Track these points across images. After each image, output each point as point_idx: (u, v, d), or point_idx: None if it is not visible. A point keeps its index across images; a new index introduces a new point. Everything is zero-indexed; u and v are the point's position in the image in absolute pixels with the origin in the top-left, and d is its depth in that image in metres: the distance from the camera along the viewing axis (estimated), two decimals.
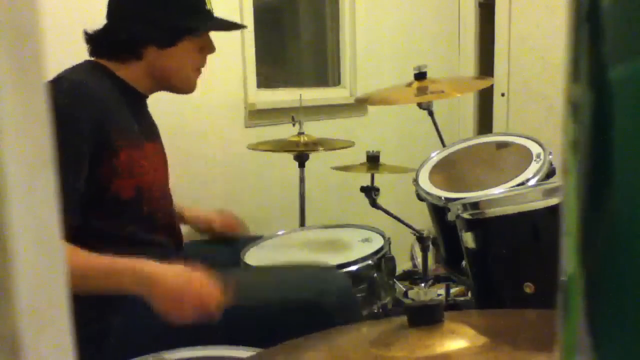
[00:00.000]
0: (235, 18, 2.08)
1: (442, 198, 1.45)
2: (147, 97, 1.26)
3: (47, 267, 0.24)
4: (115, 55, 1.17)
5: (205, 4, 1.21)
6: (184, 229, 1.38)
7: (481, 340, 0.58)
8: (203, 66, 1.25)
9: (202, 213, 1.49)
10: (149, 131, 1.25)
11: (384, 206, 1.82)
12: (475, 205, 1.20)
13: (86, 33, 1.17)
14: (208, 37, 1.24)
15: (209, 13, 1.22)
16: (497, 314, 0.79)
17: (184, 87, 1.24)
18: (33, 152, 0.23)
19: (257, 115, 2.17)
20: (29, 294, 0.23)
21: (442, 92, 1.78)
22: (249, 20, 2.12)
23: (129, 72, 1.18)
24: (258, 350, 0.75)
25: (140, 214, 1.15)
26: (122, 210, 1.12)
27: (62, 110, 0.96)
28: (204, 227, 1.47)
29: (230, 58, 2.09)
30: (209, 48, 1.24)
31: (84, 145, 1.02)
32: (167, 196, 1.28)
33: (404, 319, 0.61)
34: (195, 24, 1.19)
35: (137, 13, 1.16)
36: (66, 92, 1.02)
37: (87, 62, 1.17)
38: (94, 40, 1.17)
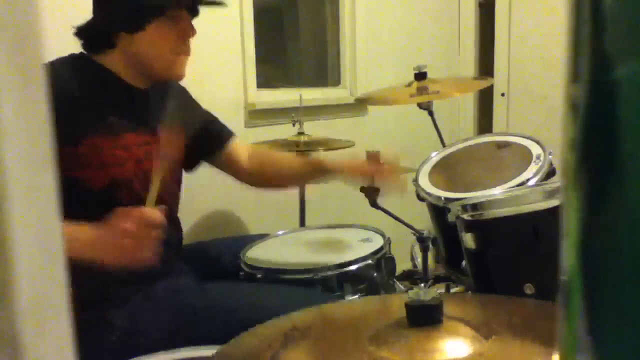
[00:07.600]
0: (235, 18, 2.08)
1: (442, 198, 1.45)
2: (143, 89, 1.21)
3: (47, 267, 0.24)
4: (94, 46, 1.16)
5: None
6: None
7: (481, 340, 0.58)
8: (185, 51, 1.18)
9: (345, 161, 1.42)
10: (138, 121, 1.20)
11: (384, 206, 1.82)
12: (475, 206, 1.20)
13: (75, 28, 1.16)
14: (186, 19, 1.17)
15: None
16: (495, 301, 0.79)
17: (167, 73, 1.19)
18: (33, 152, 0.23)
19: (257, 115, 2.17)
20: (29, 294, 0.23)
21: (442, 92, 1.78)
22: (249, 20, 2.12)
23: (113, 63, 1.16)
24: None
25: (118, 205, 1.13)
26: (94, 201, 1.10)
27: None
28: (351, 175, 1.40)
29: (230, 58, 2.09)
30: (188, 31, 1.16)
31: None
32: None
33: (403, 318, 0.61)
34: (160, 3, 1.12)
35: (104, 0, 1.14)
36: None
37: (75, 53, 1.17)
38: (79, 34, 1.16)
